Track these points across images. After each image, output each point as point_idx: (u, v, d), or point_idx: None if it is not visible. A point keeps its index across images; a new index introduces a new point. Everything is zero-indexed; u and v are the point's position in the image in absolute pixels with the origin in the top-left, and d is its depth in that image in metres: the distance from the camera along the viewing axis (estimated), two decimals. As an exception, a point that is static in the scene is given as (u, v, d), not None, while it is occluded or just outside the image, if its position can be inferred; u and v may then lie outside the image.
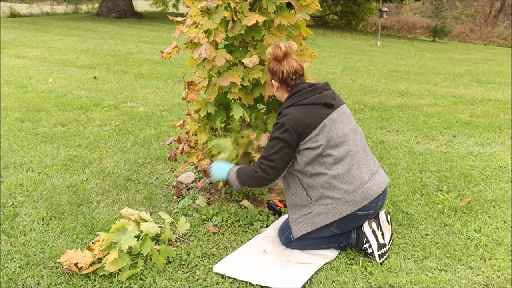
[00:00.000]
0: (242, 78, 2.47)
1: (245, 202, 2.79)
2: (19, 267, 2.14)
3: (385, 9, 15.17)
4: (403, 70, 8.84)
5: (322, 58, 9.86)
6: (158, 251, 2.19)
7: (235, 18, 2.42)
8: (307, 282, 2.08)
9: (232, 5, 2.40)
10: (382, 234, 2.30)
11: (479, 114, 5.33)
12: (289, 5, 2.57)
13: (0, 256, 2.22)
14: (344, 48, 12.61)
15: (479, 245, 2.42)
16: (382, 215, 2.34)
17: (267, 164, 2.18)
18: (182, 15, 2.74)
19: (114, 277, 2.07)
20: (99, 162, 3.46)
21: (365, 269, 2.18)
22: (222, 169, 2.39)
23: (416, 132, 4.49)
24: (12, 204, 2.75)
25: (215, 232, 2.48)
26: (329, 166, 2.15)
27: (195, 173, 3.21)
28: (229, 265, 2.16)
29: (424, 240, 2.46)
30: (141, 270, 2.12)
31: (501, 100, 6.21)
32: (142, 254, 2.15)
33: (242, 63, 2.51)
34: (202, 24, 2.45)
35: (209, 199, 2.85)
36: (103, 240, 2.16)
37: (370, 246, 2.24)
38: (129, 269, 2.09)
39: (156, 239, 2.34)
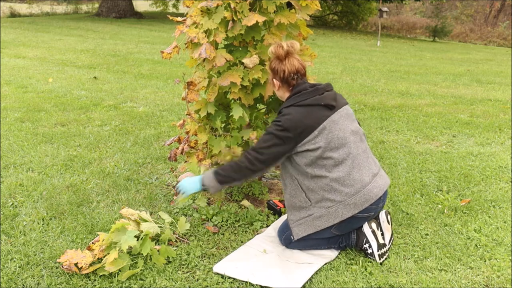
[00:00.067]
0: (242, 78, 2.47)
1: (245, 202, 2.79)
2: (19, 267, 2.14)
3: (385, 9, 15.17)
4: (403, 70, 8.84)
5: (322, 58, 9.86)
6: (158, 251, 2.19)
7: (235, 18, 2.43)
8: (307, 282, 2.08)
9: (232, 5, 2.40)
10: (382, 234, 2.29)
11: (479, 114, 5.33)
12: (289, 5, 2.57)
13: (0, 256, 2.22)
14: (344, 48, 12.61)
15: (479, 245, 2.42)
16: (382, 215, 2.34)
17: (255, 155, 2.14)
18: (182, 15, 2.74)
19: (114, 277, 2.07)
20: (99, 162, 3.46)
21: (365, 269, 2.18)
22: (192, 181, 2.24)
23: (416, 132, 4.49)
24: (12, 204, 2.75)
25: (215, 232, 2.48)
26: (330, 169, 2.14)
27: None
28: (229, 265, 2.16)
29: (424, 240, 2.46)
30: (141, 270, 2.12)
31: (501, 100, 6.21)
32: (142, 254, 2.15)
33: (242, 63, 2.51)
34: (202, 24, 2.45)
35: (209, 199, 2.85)
36: (103, 240, 2.16)
37: (370, 246, 2.23)
38: (129, 269, 2.09)
39: (156, 239, 2.34)
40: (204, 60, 2.53)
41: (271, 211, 2.71)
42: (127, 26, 14.90)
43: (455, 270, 2.19)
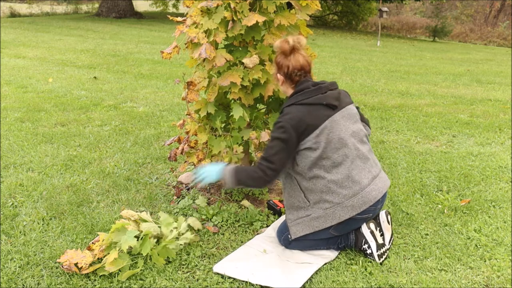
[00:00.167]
0: (242, 78, 2.47)
1: (245, 202, 2.79)
2: (19, 267, 2.14)
3: (385, 9, 15.17)
4: (403, 70, 8.84)
5: (322, 58, 9.86)
6: (158, 254, 2.18)
7: (235, 18, 2.42)
8: (307, 282, 2.08)
9: (232, 5, 2.40)
10: (382, 235, 2.29)
11: (479, 114, 5.33)
12: (289, 5, 2.57)
13: (0, 256, 2.22)
14: (344, 48, 12.61)
15: (479, 245, 2.42)
16: (382, 215, 2.34)
17: (266, 165, 2.15)
18: (182, 15, 2.74)
19: (114, 277, 2.07)
20: (99, 162, 3.46)
21: (365, 269, 2.18)
22: (215, 170, 2.24)
23: (416, 132, 4.49)
24: (12, 204, 2.75)
25: (215, 232, 2.48)
26: (328, 170, 2.14)
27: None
28: (229, 265, 2.16)
29: (424, 240, 2.46)
30: (141, 270, 2.12)
31: (501, 100, 6.21)
32: (142, 254, 2.15)
33: (242, 63, 2.51)
34: (202, 24, 2.45)
35: (209, 199, 2.85)
36: (103, 240, 2.16)
37: (369, 246, 2.23)
38: (129, 269, 2.09)
39: (157, 239, 2.34)
40: (204, 60, 2.53)
41: (271, 211, 2.71)
42: (127, 26, 14.90)
43: (455, 270, 2.19)
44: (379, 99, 6.02)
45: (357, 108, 2.39)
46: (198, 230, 2.47)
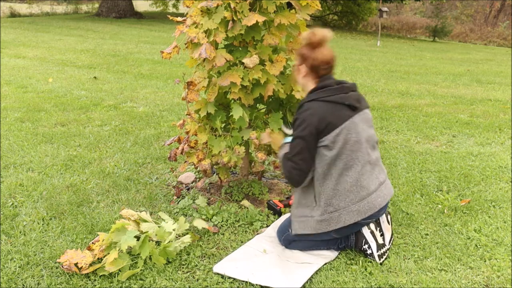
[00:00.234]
0: (242, 78, 2.46)
1: (245, 202, 2.79)
2: (19, 267, 2.14)
3: (385, 9, 15.17)
4: (403, 70, 8.84)
5: (322, 58, 9.84)
6: (158, 253, 2.18)
7: (235, 18, 2.42)
8: (307, 282, 2.08)
9: (232, 5, 2.40)
10: (382, 235, 2.29)
11: (479, 114, 5.33)
12: (289, 5, 2.57)
13: (0, 256, 2.22)
14: (344, 48, 12.61)
15: (479, 245, 2.42)
16: (382, 215, 2.34)
17: (291, 165, 2.14)
18: (182, 15, 2.74)
19: (114, 277, 2.06)
20: (99, 162, 3.46)
21: (365, 269, 2.18)
22: (283, 140, 2.38)
23: (416, 132, 4.49)
24: (12, 204, 2.75)
25: (215, 232, 2.48)
26: (339, 171, 2.12)
27: (195, 173, 3.21)
28: (229, 265, 2.16)
29: (424, 240, 2.45)
30: (141, 270, 2.11)
31: (501, 100, 6.21)
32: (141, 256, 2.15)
33: (242, 63, 2.51)
34: (202, 24, 2.45)
35: (209, 199, 2.85)
36: (103, 240, 2.16)
37: (369, 247, 2.23)
38: (129, 269, 2.09)
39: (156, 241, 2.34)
40: (204, 60, 2.53)
41: (271, 211, 2.71)
42: (127, 26, 14.90)
43: (455, 270, 2.19)
44: (379, 99, 6.02)
45: None
46: (203, 228, 2.45)
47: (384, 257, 2.24)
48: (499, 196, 3.02)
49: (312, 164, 2.15)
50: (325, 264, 2.22)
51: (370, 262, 2.23)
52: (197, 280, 2.08)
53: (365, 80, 7.46)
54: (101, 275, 2.07)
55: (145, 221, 2.34)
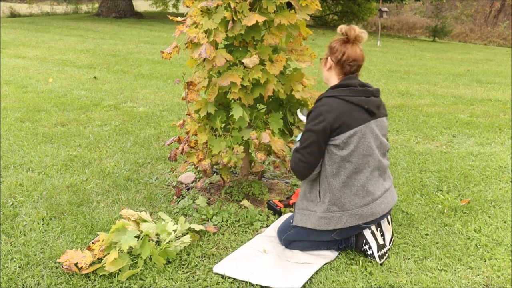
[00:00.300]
0: (242, 78, 2.46)
1: (245, 202, 2.79)
2: (19, 267, 2.14)
3: (385, 9, 15.16)
4: (403, 70, 8.84)
5: (322, 58, 9.84)
6: (158, 253, 2.18)
7: (235, 18, 2.42)
8: (307, 282, 2.08)
9: (232, 5, 2.40)
10: (382, 235, 2.29)
11: (479, 114, 5.33)
12: (289, 5, 2.57)
13: (0, 256, 2.22)
14: (344, 48, 12.58)
15: (479, 245, 2.42)
16: (383, 216, 2.34)
17: (298, 157, 2.14)
18: (182, 15, 2.74)
19: (114, 277, 2.06)
20: (99, 162, 3.46)
21: (365, 269, 2.18)
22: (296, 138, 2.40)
23: (416, 132, 4.49)
24: (12, 204, 2.75)
25: (215, 232, 2.48)
26: (348, 174, 2.12)
27: (195, 173, 3.21)
28: (229, 265, 2.16)
29: (424, 240, 2.45)
30: (141, 270, 2.11)
31: (501, 100, 6.21)
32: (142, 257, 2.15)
33: (242, 63, 2.51)
34: (202, 24, 2.45)
35: (209, 199, 2.85)
36: (103, 240, 2.16)
37: (370, 247, 2.23)
38: (129, 269, 2.09)
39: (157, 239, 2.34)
40: (204, 60, 2.53)
41: (271, 211, 2.71)
42: (127, 26, 14.90)
43: (455, 270, 2.19)
44: (379, 99, 6.01)
45: None
46: (200, 230, 2.46)
47: (385, 257, 2.24)
48: (499, 196, 3.02)
49: (320, 159, 2.15)
50: (325, 264, 2.22)
51: (370, 262, 2.23)
52: (197, 280, 2.08)
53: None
54: (101, 275, 2.07)
55: (145, 221, 2.34)
